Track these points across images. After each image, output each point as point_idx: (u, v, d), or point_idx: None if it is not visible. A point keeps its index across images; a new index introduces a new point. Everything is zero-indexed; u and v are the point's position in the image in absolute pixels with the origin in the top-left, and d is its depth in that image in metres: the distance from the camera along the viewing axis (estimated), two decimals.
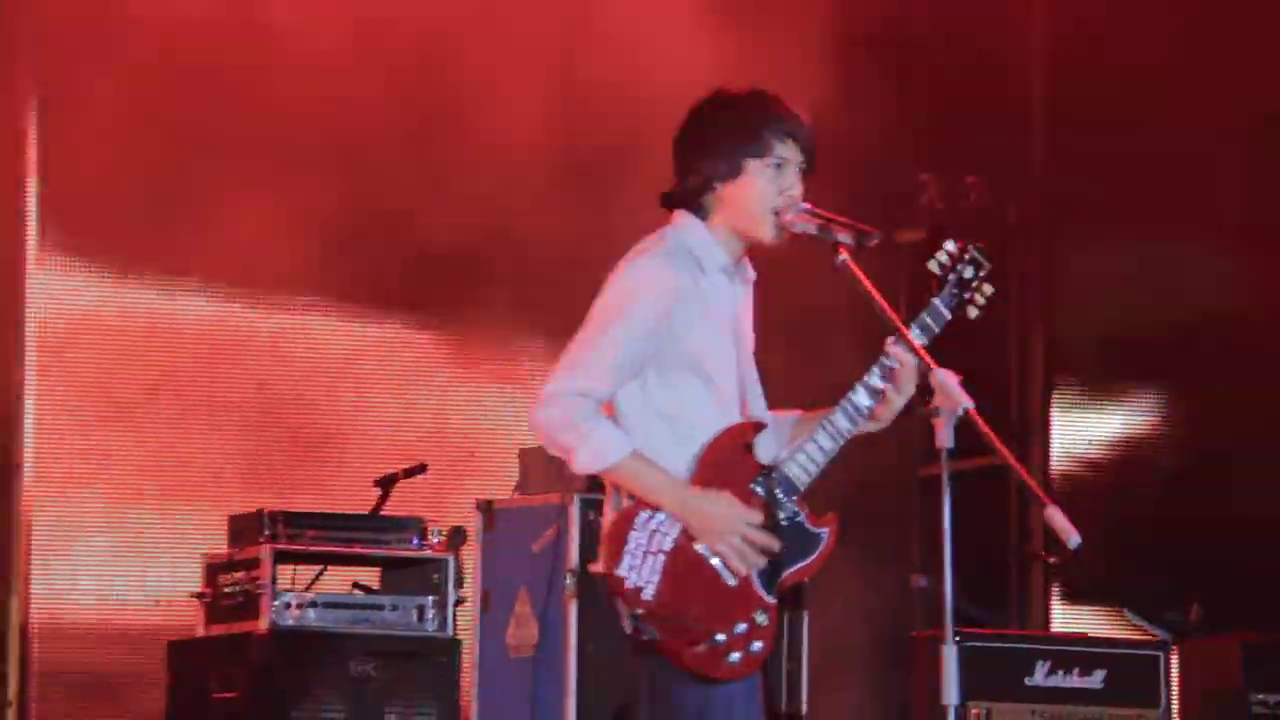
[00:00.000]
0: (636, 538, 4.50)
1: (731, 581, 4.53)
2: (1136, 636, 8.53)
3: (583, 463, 4.54)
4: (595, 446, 4.52)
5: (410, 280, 9.63)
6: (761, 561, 4.59)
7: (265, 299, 9.44)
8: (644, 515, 4.50)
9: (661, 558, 4.49)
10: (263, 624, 7.28)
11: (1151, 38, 9.97)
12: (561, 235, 9.03)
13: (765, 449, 4.75)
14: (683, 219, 4.65)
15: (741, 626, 4.54)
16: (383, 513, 7.90)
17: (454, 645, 7.46)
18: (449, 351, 9.57)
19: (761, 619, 4.56)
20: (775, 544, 4.57)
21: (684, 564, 4.52)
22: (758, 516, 4.56)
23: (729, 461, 4.68)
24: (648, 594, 4.45)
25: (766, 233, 4.59)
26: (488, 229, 9.20)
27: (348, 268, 9.35)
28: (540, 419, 4.56)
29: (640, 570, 4.48)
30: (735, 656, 4.52)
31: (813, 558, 4.70)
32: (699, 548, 4.53)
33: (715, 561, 4.55)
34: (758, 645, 4.53)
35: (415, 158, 9.38)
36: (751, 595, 4.57)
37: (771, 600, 4.56)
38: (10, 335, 8.99)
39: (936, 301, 4.68)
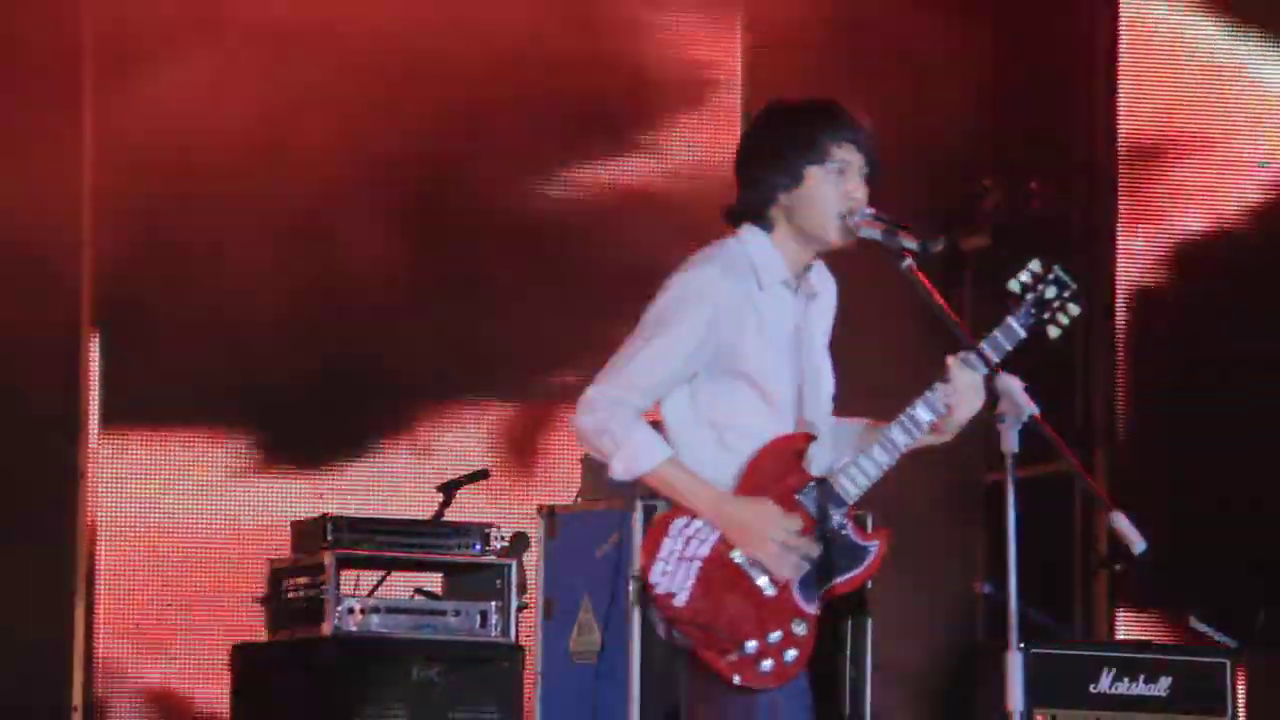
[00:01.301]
0: (670, 544, 4.55)
1: (770, 591, 4.56)
2: (1202, 644, 8.35)
3: (618, 469, 4.59)
4: (629, 453, 4.57)
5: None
6: (801, 568, 4.62)
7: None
8: (680, 521, 4.55)
9: (696, 564, 4.54)
10: (326, 629, 7.33)
11: (1220, 43, 10.11)
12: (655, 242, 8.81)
13: (822, 459, 4.77)
14: (746, 231, 4.68)
15: (775, 635, 4.55)
16: (445, 518, 7.94)
17: (517, 651, 7.53)
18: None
19: (799, 629, 4.57)
20: (815, 549, 4.59)
21: (719, 571, 4.56)
22: (797, 523, 4.57)
23: (775, 471, 4.72)
24: (680, 600, 4.50)
25: (833, 235, 4.58)
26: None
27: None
28: (579, 424, 4.61)
29: (674, 576, 4.53)
30: (767, 665, 4.53)
31: (859, 570, 4.71)
32: (736, 556, 4.57)
33: (753, 570, 4.59)
34: (792, 654, 4.54)
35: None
36: (789, 604, 4.58)
37: (812, 611, 4.56)
38: (76, 345, 9.10)
39: (1011, 320, 4.63)
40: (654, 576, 4.51)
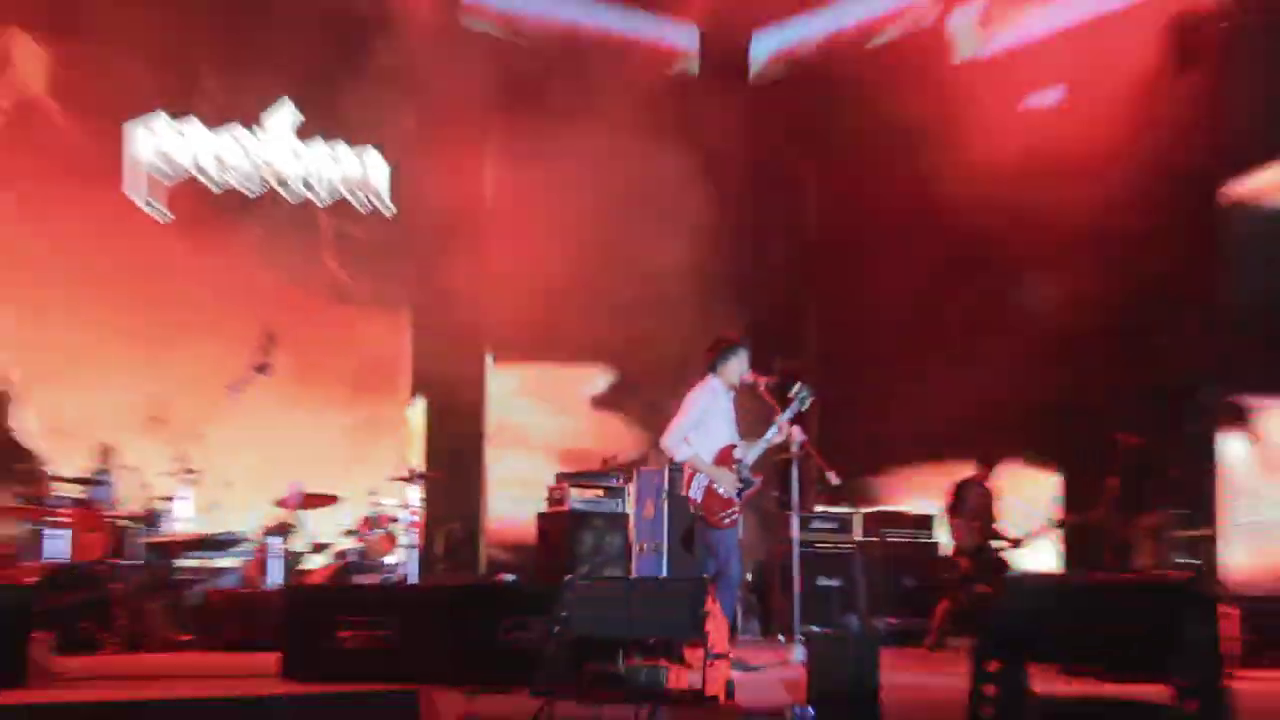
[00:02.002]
0: (695, 482, 7.05)
1: (726, 497, 7.04)
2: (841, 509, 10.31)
3: (679, 458, 7.11)
4: (683, 453, 7.02)
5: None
6: (736, 488, 7.01)
7: None
8: (699, 476, 7.01)
9: (703, 489, 7.03)
10: (568, 508, 10.39)
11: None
12: None
13: (739, 453, 7.11)
14: (712, 377, 7.16)
15: (732, 509, 7.06)
16: (610, 469, 11.01)
17: (626, 516, 10.45)
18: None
19: (737, 507, 7.07)
20: (739, 483, 6.98)
21: (711, 490, 7.02)
22: (735, 479, 7.01)
23: (727, 457, 7.09)
24: (697, 499, 7.05)
25: (736, 383, 7.19)
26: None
27: None
28: (664, 443, 7.11)
29: (696, 493, 7.04)
30: (728, 520, 7.04)
31: (754, 488, 7.16)
32: (717, 487, 6.99)
33: (722, 490, 6.98)
34: (737, 516, 7.07)
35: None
36: (733, 500, 7.05)
37: (739, 504, 7.07)
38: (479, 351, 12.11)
39: (791, 405, 7.17)
40: (690, 492, 7.05)
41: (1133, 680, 3.72)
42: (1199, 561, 9.12)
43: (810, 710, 4.27)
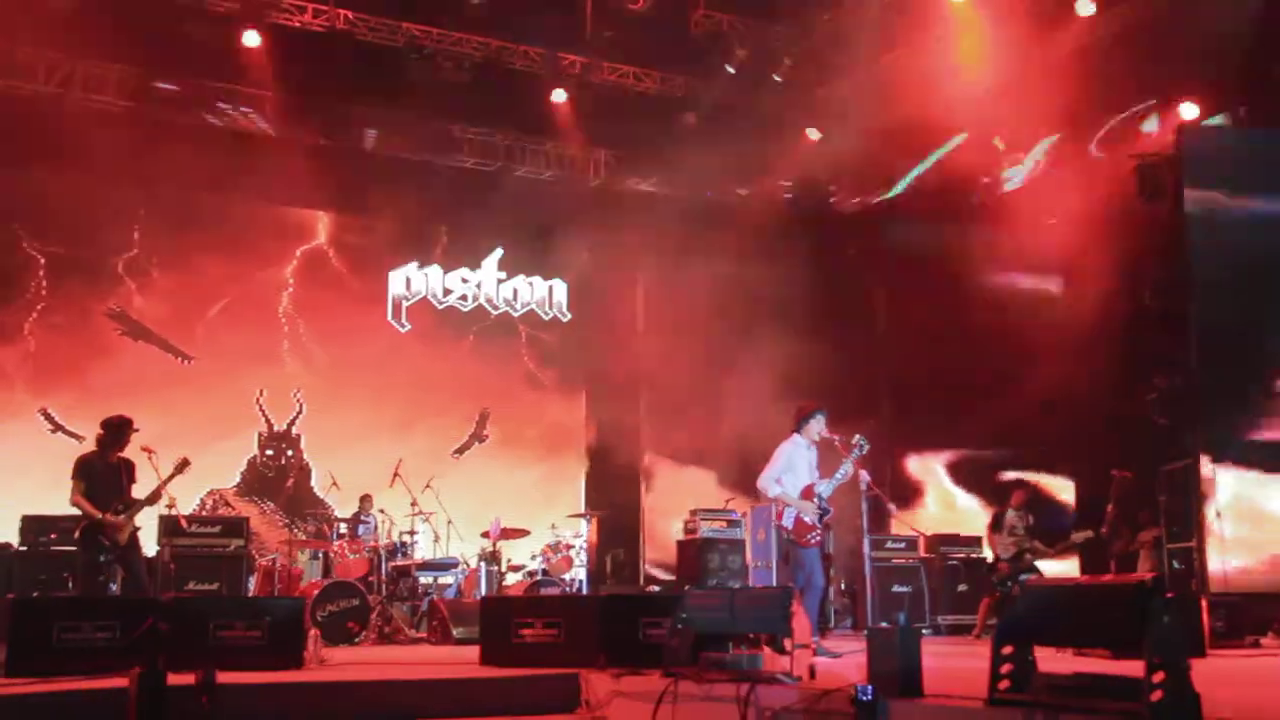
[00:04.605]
0: (787, 513, 6.58)
1: (811, 522, 6.59)
2: None
3: (770, 494, 6.63)
4: (774, 490, 6.55)
5: None
6: (816, 517, 6.55)
7: None
8: (789, 509, 6.56)
9: (793, 517, 6.57)
10: (699, 535, 9.88)
11: None
12: None
13: (819, 488, 6.62)
14: (796, 435, 6.69)
15: (815, 532, 6.61)
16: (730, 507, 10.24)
17: (743, 541, 9.70)
18: None
19: (818, 531, 6.61)
20: (820, 514, 6.56)
21: (798, 520, 6.57)
22: (816, 509, 6.58)
23: (809, 494, 6.63)
24: (789, 526, 6.59)
25: (815, 439, 6.71)
26: None
27: None
28: (759, 484, 6.66)
29: (788, 521, 6.56)
30: (814, 539, 6.59)
31: (830, 515, 6.65)
32: (804, 516, 6.56)
33: (807, 518, 6.54)
34: (819, 537, 6.63)
35: None
36: (815, 526, 6.60)
37: (821, 528, 6.59)
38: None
39: (855, 450, 6.58)
40: (783, 521, 6.63)
41: (1121, 657, 3.45)
42: (1181, 567, 8.66)
43: (870, 688, 3.93)
